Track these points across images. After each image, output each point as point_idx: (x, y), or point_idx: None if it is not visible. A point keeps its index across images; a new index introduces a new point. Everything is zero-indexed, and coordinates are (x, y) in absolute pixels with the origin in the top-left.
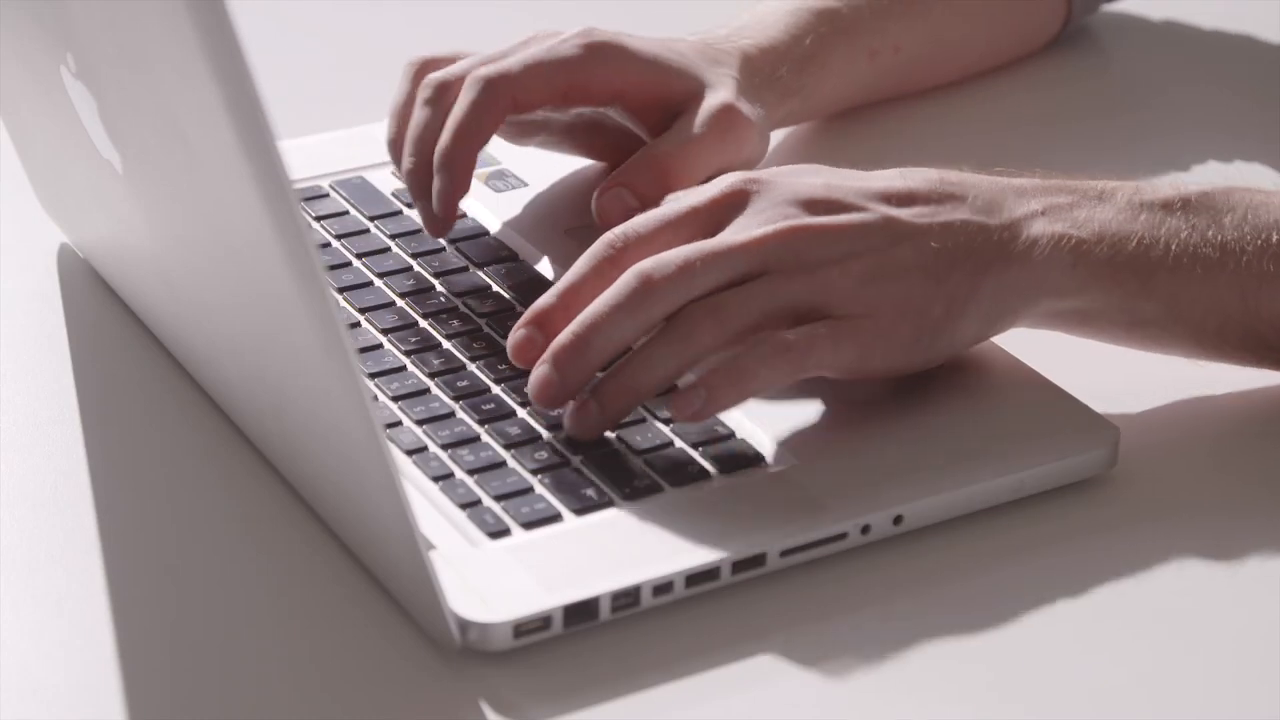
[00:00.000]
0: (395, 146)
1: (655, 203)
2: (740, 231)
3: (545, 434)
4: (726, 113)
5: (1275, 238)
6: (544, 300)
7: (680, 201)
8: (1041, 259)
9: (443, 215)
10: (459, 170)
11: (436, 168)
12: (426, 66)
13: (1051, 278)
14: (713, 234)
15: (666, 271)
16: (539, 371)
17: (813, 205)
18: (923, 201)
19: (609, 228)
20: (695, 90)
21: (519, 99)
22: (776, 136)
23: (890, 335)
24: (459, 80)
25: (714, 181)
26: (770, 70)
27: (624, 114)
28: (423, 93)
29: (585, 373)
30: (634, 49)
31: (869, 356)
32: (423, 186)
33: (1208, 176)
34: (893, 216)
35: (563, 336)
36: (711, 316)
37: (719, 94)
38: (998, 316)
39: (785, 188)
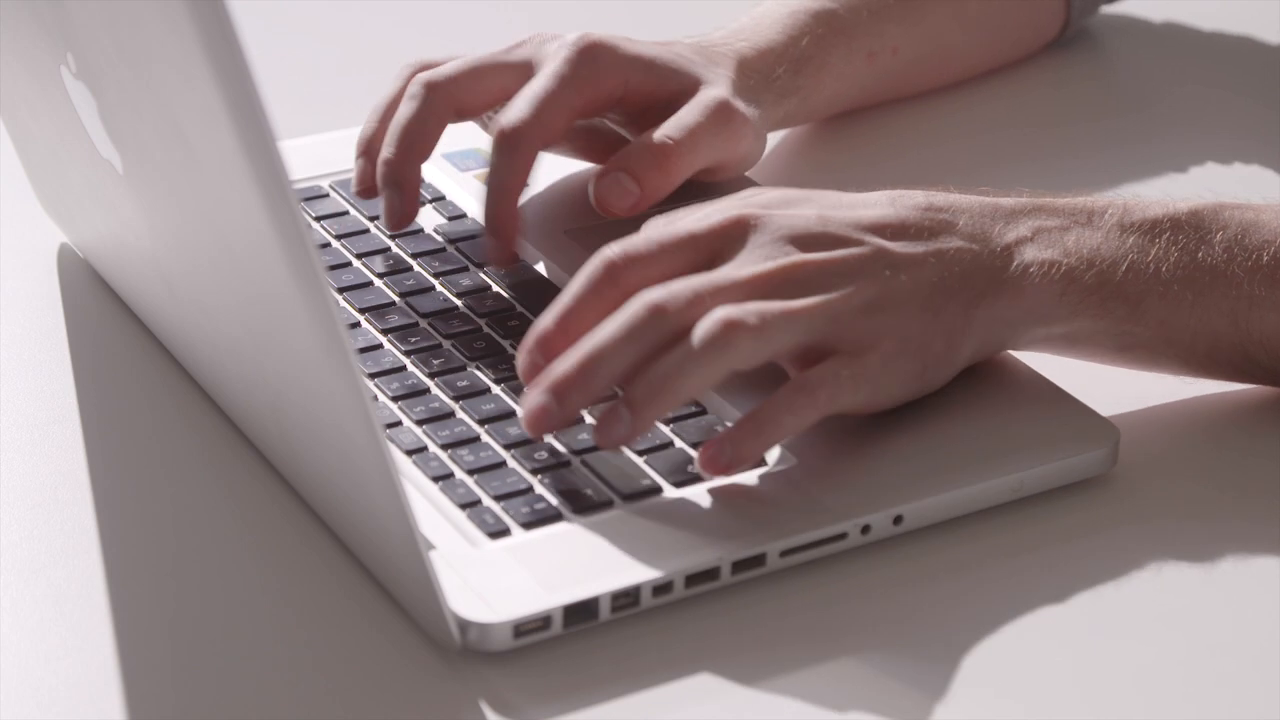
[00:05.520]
0: (373, 141)
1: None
2: (742, 266)
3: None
4: (723, 106)
5: (1266, 258)
6: (543, 323)
7: (677, 225)
8: (1032, 287)
9: (395, 229)
10: (408, 186)
11: (384, 184)
12: (420, 69)
13: (1041, 306)
14: (709, 262)
15: (678, 304)
16: (535, 400)
17: (807, 241)
18: (914, 230)
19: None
20: (691, 87)
21: (462, 105)
22: (775, 138)
23: (894, 368)
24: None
25: (711, 208)
26: (766, 71)
27: (622, 117)
28: (411, 89)
29: (586, 402)
30: (628, 51)
31: (878, 391)
32: (399, 177)
33: (1207, 178)
34: (886, 249)
35: (564, 366)
36: (752, 335)
37: (714, 89)
38: (989, 344)
39: (781, 223)
